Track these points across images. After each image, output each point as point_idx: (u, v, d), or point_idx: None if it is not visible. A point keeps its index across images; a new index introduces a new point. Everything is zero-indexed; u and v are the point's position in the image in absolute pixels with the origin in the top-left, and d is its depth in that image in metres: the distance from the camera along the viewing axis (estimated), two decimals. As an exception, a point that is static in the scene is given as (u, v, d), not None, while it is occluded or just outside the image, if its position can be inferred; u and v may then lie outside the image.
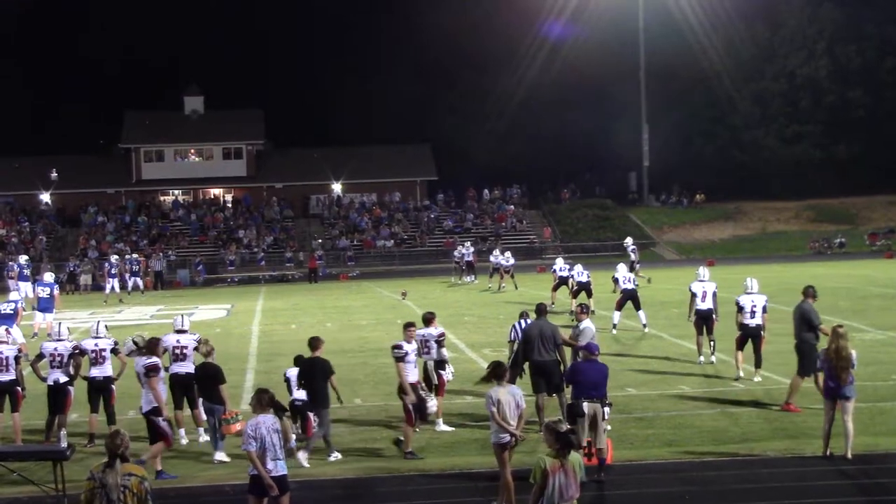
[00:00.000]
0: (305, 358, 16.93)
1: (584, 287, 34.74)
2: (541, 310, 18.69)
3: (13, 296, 31.35)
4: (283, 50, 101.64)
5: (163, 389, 16.23)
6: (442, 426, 17.99)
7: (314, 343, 16.88)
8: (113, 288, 48.22)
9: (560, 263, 39.88)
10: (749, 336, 21.86)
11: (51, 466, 14.17)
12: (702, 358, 23.83)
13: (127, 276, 50.71)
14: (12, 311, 29.80)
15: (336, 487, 14.88)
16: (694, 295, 24.41)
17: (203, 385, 16.88)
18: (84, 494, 9.57)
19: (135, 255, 56.05)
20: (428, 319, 18.78)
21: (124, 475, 9.49)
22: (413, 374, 16.80)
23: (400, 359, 16.96)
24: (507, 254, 48.56)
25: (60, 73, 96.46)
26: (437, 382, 18.32)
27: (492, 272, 47.99)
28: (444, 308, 35.17)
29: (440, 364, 18.43)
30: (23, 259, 47.48)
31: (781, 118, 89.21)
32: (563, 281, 37.42)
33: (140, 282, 52.24)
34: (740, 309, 21.84)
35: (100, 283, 52.08)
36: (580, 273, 35.47)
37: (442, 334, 18.68)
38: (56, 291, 35.41)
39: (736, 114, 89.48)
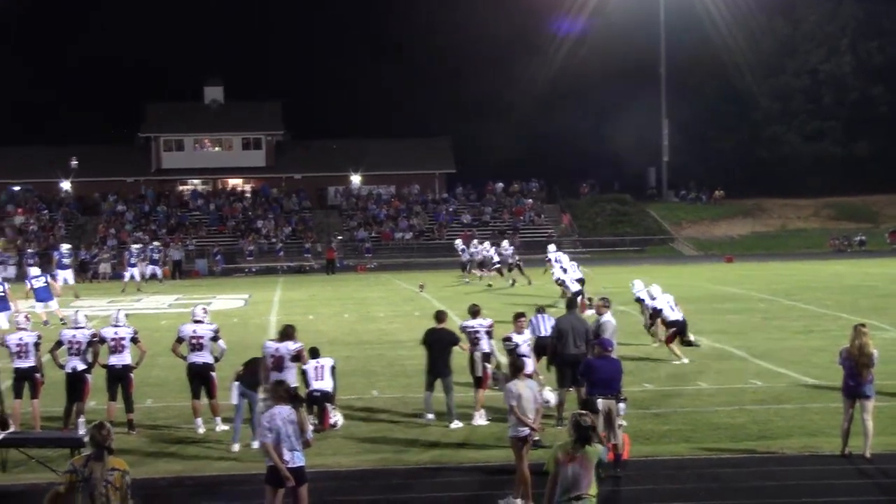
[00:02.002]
0: (431, 328, 18.18)
1: (580, 282, 34.85)
2: (571, 304, 18.68)
3: None
4: (303, 41, 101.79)
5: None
6: (479, 420, 17.98)
7: (440, 316, 18.47)
8: (132, 276, 48.44)
9: (552, 249, 40.25)
10: (680, 329, 23.84)
11: (69, 454, 14.24)
12: (685, 360, 23.55)
13: (145, 264, 50.85)
14: (2, 294, 30.04)
15: (352, 478, 14.90)
16: (660, 311, 24.75)
17: (249, 373, 16.93)
18: (63, 487, 9.43)
19: (155, 244, 56.18)
20: (475, 311, 18.78)
21: (108, 469, 9.38)
22: (530, 367, 16.35)
23: (511, 351, 16.98)
24: (506, 244, 48.32)
25: (82, 61, 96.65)
26: (480, 375, 18.25)
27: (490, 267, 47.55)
28: (461, 302, 35.02)
29: (486, 357, 18.40)
30: (64, 248, 47.85)
31: (803, 114, 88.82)
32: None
33: (158, 271, 52.37)
34: (659, 312, 24.36)
35: (119, 271, 52.21)
36: (574, 269, 35.70)
37: (491, 325, 18.66)
38: (51, 280, 35.82)
39: (757, 110, 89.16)
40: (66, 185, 79.38)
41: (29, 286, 34.90)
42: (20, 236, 68.99)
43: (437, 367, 17.98)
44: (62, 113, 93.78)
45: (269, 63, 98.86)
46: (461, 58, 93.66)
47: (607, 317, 18.75)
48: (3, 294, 30.39)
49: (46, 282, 34.92)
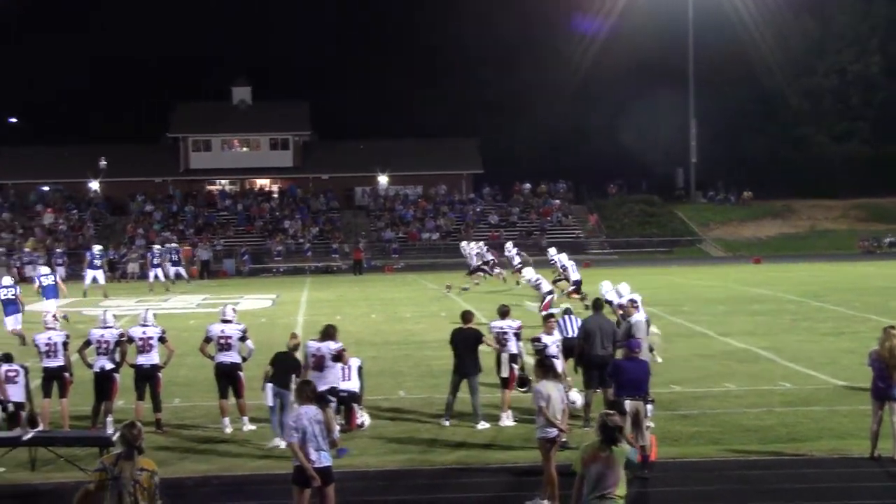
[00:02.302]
0: (458, 328, 18.17)
1: (577, 284, 34.89)
2: (598, 305, 18.65)
3: (6, 281, 31.56)
4: (330, 42, 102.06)
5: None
6: (506, 421, 17.95)
7: (467, 316, 18.41)
8: (157, 276, 48.66)
9: (553, 252, 40.29)
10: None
11: (97, 453, 14.30)
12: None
13: (168, 265, 51.02)
14: (13, 297, 30.22)
15: (379, 478, 14.89)
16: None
17: (280, 372, 16.97)
18: (93, 485, 9.46)
19: (173, 245, 56.21)
20: (504, 312, 18.75)
21: (137, 468, 9.40)
22: (559, 368, 16.28)
23: (540, 352, 16.98)
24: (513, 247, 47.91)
25: (111, 61, 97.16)
26: (506, 376, 18.19)
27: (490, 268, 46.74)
28: (488, 302, 34.97)
29: (513, 357, 18.35)
30: (96, 248, 48.27)
31: (831, 115, 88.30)
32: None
33: (182, 271, 52.47)
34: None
35: (146, 271, 52.36)
36: (574, 270, 35.75)
37: (520, 327, 18.63)
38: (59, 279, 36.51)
39: (785, 110, 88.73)
40: (94, 184, 79.75)
41: (38, 284, 35.24)
42: (49, 236, 69.38)
43: (463, 367, 17.98)
44: (91, 113, 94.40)
45: (296, 63, 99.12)
46: (489, 58, 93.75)
47: (637, 317, 18.68)
48: (14, 296, 30.59)
49: (55, 281, 35.29)
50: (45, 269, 37.82)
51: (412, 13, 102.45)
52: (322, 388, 15.60)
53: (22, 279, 49.65)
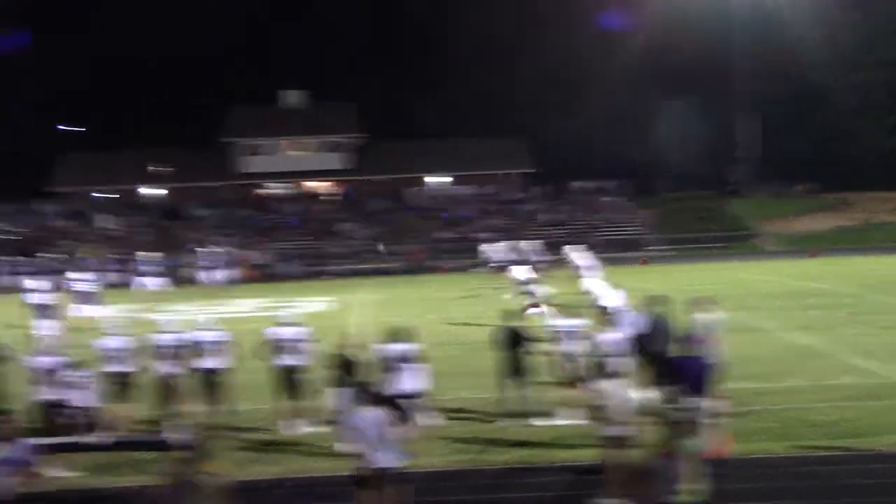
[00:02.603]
0: (503, 327, 18.40)
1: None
2: (656, 302, 18.60)
3: (84, 275, 32.51)
4: (383, 43, 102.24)
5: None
6: (566, 419, 17.93)
7: (513, 314, 19.00)
8: (212, 281, 49.06)
9: (571, 250, 40.17)
10: None
11: (163, 457, 14.48)
12: None
13: (221, 268, 51.41)
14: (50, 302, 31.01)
15: (442, 478, 14.99)
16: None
17: (341, 374, 17.08)
18: (168, 488, 9.62)
19: (223, 249, 56.57)
20: (560, 311, 18.80)
21: (207, 472, 9.52)
22: (621, 365, 16.25)
23: (601, 350, 17.04)
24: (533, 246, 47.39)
25: (164, 65, 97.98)
26: (566, 374, 18.23)
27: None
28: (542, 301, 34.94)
29: (570, 356, 18.34)
30: (148, 255, 48.90)
31: (883, 108, 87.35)
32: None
33: (233, 275, 52.82)
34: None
35: (202, 276, 52.80)
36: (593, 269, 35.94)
37: (579, 324, 18.68)
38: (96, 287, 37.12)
39: (838, 103, 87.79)
40: (150, 190, 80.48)
41: (76, 289, 35.90)
42: (105, 242, 70.08)
43: (511, 366, 18.03)
44: (145, 118, 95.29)
45: (350, 65, 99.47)
46: (540, 56, 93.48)
47: (703, 315, 18.63)
48: (51, 303, 31.31)
49: (96, 287, 35.99)
50: (88, 276, 38.49)
51: (464, 12, 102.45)
52: (388, 390, 15.71)
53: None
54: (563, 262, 45.39)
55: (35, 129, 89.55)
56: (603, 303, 22.94)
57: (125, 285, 50.18)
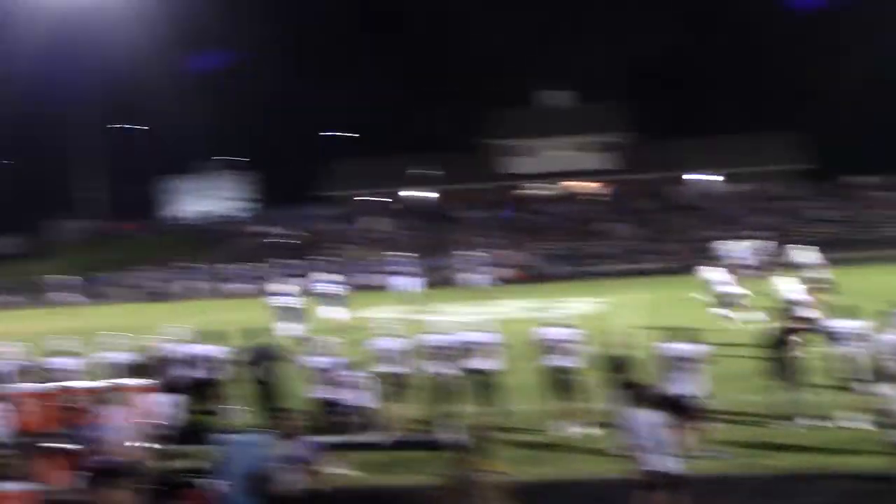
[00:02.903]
0: (777, 326, 18.05)
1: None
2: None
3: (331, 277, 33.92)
4: (643, 40, 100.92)
5: None
6: (854, 422, 17.17)
7: (778, 314, 18.89)
8: (472, 282, 49.59)
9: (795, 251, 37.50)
10: None
11: (439, 456, 14.63)
12: None
13: (480, 270, 51.82)
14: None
15: (716, 483, 14.60)
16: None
17: (616, 375, 16.91)
18: (447, 487, 9.60)
19: (487, 250, 56.84)
20: (850, 313, 18.09)
21: (485, 471, 9.48)
22: None
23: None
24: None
25: (428, 68, 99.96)
26: (853, 377, 17.53)
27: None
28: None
29: (853, 359, 17.64)
30: (399, 256, 49.91)
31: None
32: None
33: (498, 275, 53.12)
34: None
35: (469, 278, 53.21)
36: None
37: (865, 326, 17.88)
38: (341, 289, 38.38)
39: None
40: (415, 193, 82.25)
41: (323, 291, 37.00)
42: (372, 245, 71.90)
43: (778, 367, 17.56)
44: (411, 123, 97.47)
45: (614, 62, 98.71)
46: (811, 49, 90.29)
47: None
48: (295, 306, 32.54)
49: (343, 290, 37.05)
50: (336, 277, 39.72)
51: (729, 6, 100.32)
52: (670, 391, 15.38)
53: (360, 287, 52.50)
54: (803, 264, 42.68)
55: (306, 137, 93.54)
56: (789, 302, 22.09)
57: (382, 287, 51.53)
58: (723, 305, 32.67)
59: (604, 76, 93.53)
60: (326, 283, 39.21)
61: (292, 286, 37.74)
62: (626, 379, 16.27)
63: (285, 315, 34.39)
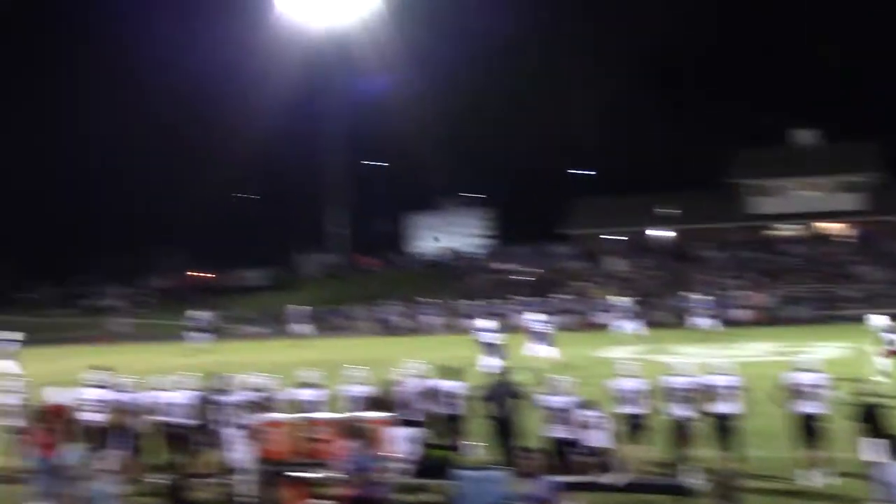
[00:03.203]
0: None
1: None
2: None
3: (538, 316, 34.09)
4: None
5: None
6: None
7: None
8: (703, 325, 48.75)
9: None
10: None
11: (677, 500, 14.27)
12: None
13: (712, 313, 50.73)
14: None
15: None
16: None
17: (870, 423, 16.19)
18: None
19: (718, 293, 55.53)
20: None
21: None
22: None
23: None
24: None
25: (676, 111, 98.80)
26: None
27: None
28: None
29: None
30: (624, 300, 49.79)
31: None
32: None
33: (740, 315, 51.84)
34: None
35: (696, 320, 51.86)
36: None
37: None
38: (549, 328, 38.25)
39: None
40: (657, 232, 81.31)
41: (533, 329, 37.05)
42: (613, 283, 71.37)
43: None
44: (650, 161, 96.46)
45: (867, 101, 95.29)
46: None
47: None
48: (498, 342, 33.13)
49: (551, 328, 37.09)
50: (540, 317, 39.70)
51: None
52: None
53: (590, 326, 52.23)
54: None
55: (549, 175, 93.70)
56: None
57: (605, 327, 51.40)
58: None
59: (855, 116, 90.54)
60: (534, 321, 39.17)
61: (493, 322, 38.11)
62: (882, 429, 15.51)
63: (488, 350, 34.68)
